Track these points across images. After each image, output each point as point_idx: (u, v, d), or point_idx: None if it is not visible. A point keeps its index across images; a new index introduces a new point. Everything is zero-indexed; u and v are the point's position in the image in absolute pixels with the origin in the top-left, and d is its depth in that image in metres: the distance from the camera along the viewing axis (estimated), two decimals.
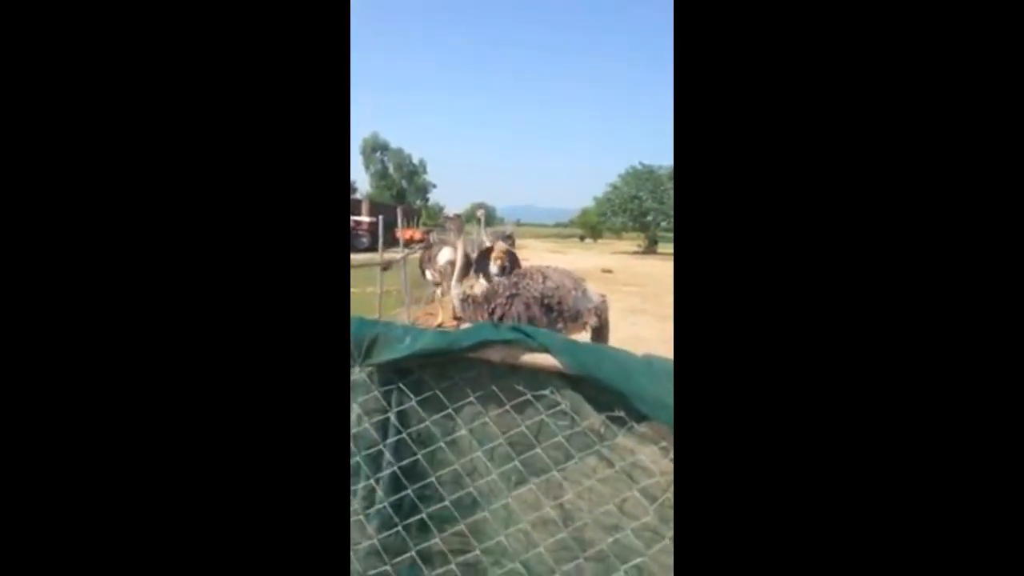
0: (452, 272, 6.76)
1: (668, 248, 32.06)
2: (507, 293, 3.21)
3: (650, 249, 30.80)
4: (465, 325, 5.22)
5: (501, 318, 3.20)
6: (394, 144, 53.86)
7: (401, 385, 1.04)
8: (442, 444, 1.02)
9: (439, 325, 7.23)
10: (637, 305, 9.48)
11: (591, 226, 41.99)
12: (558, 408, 0.99)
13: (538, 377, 1.00)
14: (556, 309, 3.19)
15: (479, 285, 3.46)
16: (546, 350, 0.96)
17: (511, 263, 6.52)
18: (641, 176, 31.08)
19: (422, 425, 1.04)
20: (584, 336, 3.40)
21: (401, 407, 1.04)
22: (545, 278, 3.24)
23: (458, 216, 3.50)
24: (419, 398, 1.04)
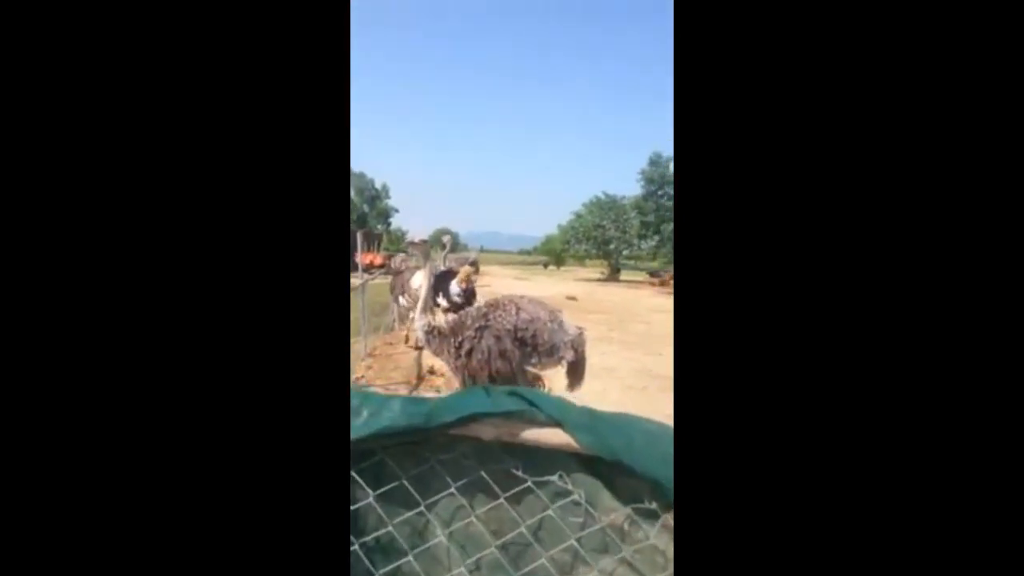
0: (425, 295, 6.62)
1: (630, 275, 32.65)
2: (476, 325, 2.94)
3: (613, 276, 31.23)
4: (426, 355, 4.91)
5: (469, 352, 2.92)
6: (356, 168, 53.27)
7: (354, 474, 0.76)
8: (411, 557, 0.74)
9: (406, 341, 6.91)
10: (604, 333, 9.35)
11: (555, 253, 42.40)
12: (569, 498, 0.74)
13: (541, 457, 0.75)
14: (530, 343, 2.94)
15: (444, 316, 3.17)
16: (556, 423, 0.71)
17: (469, 292, 6.36)
18: (604, 205, 31.74)
19: (383, 530, 0.76)
20: (559, 372, 3.16)
21: (355, 505, 0.76)
22: (519, 309, 2.99)
23: (424, 241, 3.23)
24: (379, 491, 0.76)
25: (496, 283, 22.20)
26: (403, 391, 4.97)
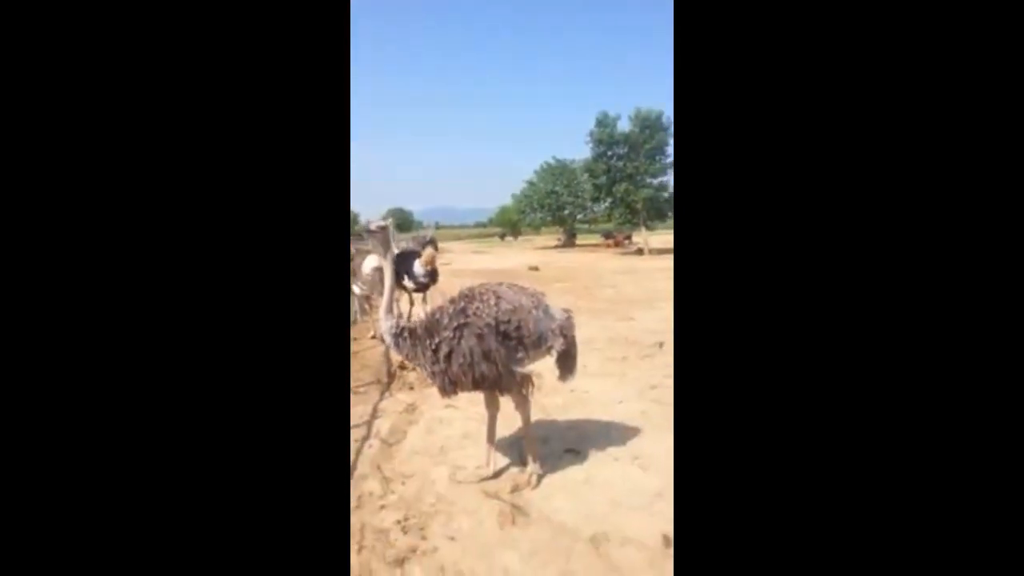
0: (380, 279, 6.17)
1: (585, 239, 32.69)
2: (454, 323, 2.52)
3: (569, 242, 31.20)
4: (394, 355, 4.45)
5: (448, 355, 2.52)
6: None
7: None
8: None
9: (372, 336, 6.44)
10: (572, 303, 9.12)
11: (511, 224, 41.95)
12: None
13: None
14: (515, 336, 2.56)
15: (416, 314, 2.71)
16: None
17: (433, 272, 6.03)
18: (555, 171, 31.38)
19: None
20: (548, 362, 2.81)
21: None
22: (498, 299, 2.59)
23: (382, 227, 2.73)
24: None
25: (456, 259, 21.64)
26: (374, 393, 4.53)
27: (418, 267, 6.09)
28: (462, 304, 2.58)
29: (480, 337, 2.49)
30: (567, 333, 2.75)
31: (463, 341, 2.48)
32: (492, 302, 2.56)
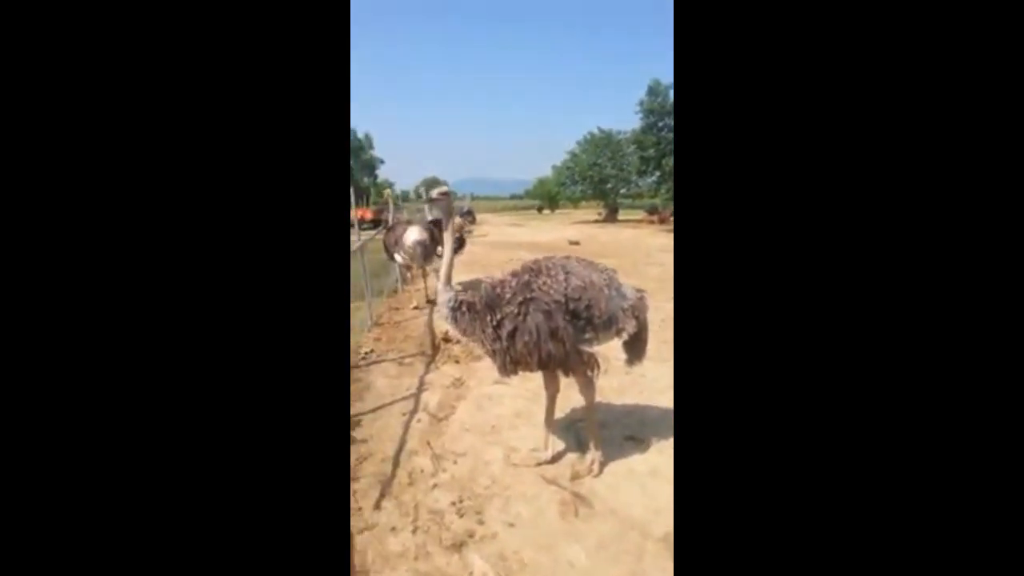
0: (422, 253, 6.09)
1: (628, 215, 31.74)
2: (519, 298, 2.32)
3: (611, 217, 30.36)
4: (438, 318, 4.37)
5: (512, 333, 2.33)
6: None
7: None
8: None
9: (415, 307, 6.41)
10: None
11: (549, 196, 41.16)
12: None
13: None
14: (584, 315, 2.34)
15: (475, 288, 2.52)
16: None
17: (460, 241, 5.95)
18: (600, 142, 30.30)
19: None
20: (616, 345, 2.59)
21: None
22: (567, 274, 2.37)
23: (444, 193, 2.53)
24: None
25: (493, 231, 21.42)
26: (419, 364, 4.45)
27: (413, 234, 6.17)
28: (527, 278, 2.37)
29: (548, 314, 2.29)
30: (640, 315, 2.52)
31: (529, 318, 2.29)
32: (561, 277, 2.35)
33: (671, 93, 23.09)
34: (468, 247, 9.34)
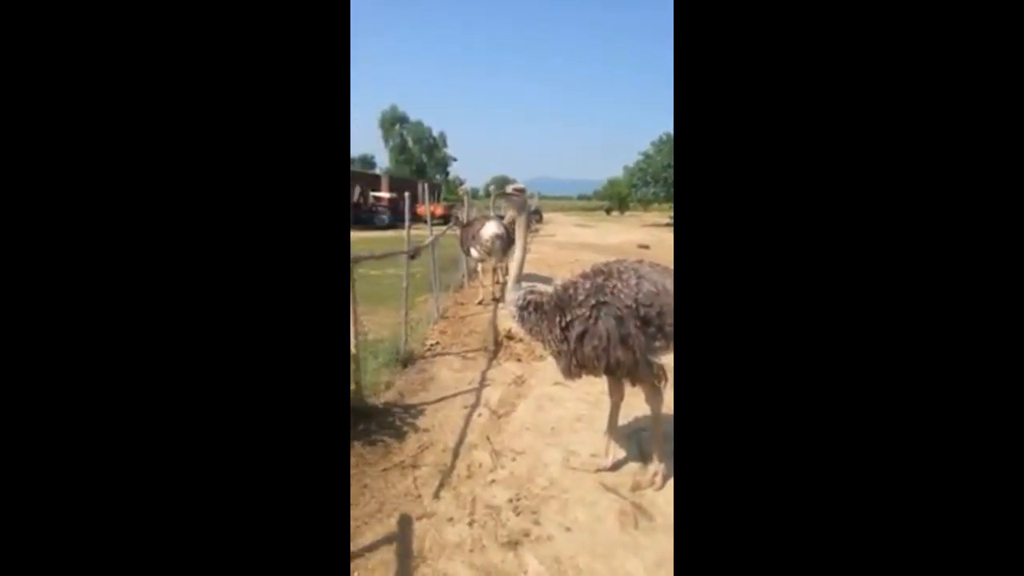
0: (499, 247, 6.18)
1: None
2: (591, 301, 2.28)
3: None
4: (503, 314, 4.38)
5: (581, 336, 2.29)
6: (413, 117, 52.40)
7: None
8: None
9: (479, 303, 6.52)
10: None
11: (619, 197, 40.31)
12: None
13: None
14: (656, 323, 2.26)
15: (544, 286, 2.50)
16: None
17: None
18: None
19: None
20: None
21: None
22: (640, 278, 2.29)
23: (520, 189, 2.53)
24: None
25: (559, 231, 21.32)
26: (481, 360, 4.51)
27: (491, 229, 6.21)
28: (599, 281, 2.32)
29: (619, 320, 2.23)
30: None
31: (600, 322, 2.24)
32: (632, 282, 2.28)
33: None
34: (534, 246, 9.35)
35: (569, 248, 14.03)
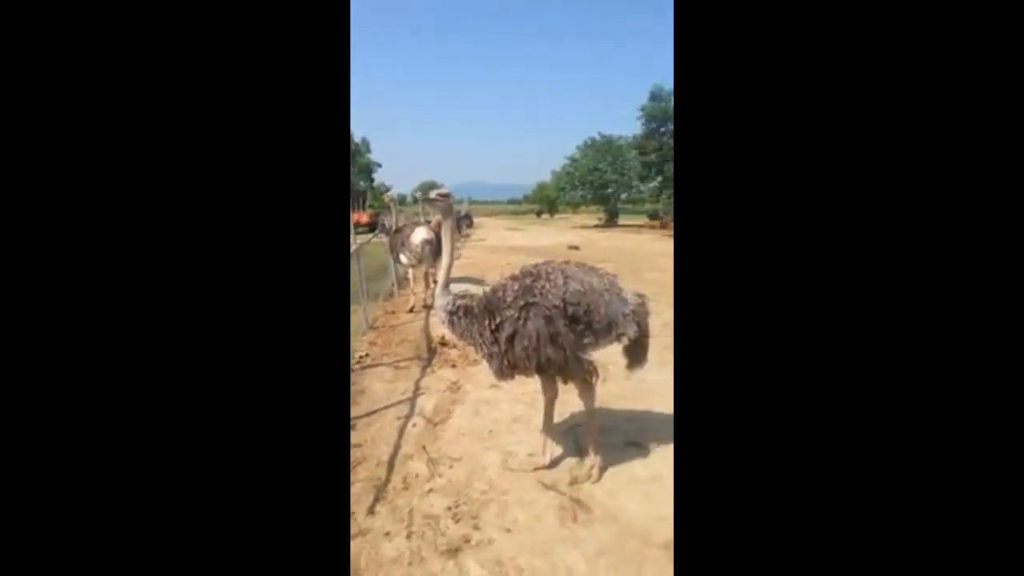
0: (429, 252, 6.07)
1: (628, 220, 31.75)
2: (520, 303, 2.29)
3: (611, 222, 30.37)
4: (435, 321, 4.32)
5: (511, 337, 2.30)
6: None
7: None
8: None
9: (410, 310, 6.37)
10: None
11: (548, 201, 41.17)
12: None
13: None
14: (584, 320, 2.32)
15: (475, 291, 2.49)
16: None
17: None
18: (600, 147, 30.35)
19: None
20: (617, 350, 2.56)
21: None
22: (567, 278, 2.34)
23: (445, 195, 2.51)
24: None
25: (491, 235, 21.41)
26: (415, 369, 4.41)
27: (421, 234, 6.12)
28: (527, 282, 2.35)
29: (548, 319, 2.26)
30: (640, 320, 2.49)
31: (529, 322, 2.26)
32: (560, 282, 2.32)
33: (673, 99, 23.18)
34: (466, 251, 9.31)
35: (501, 252, 14.12)
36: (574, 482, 2.54)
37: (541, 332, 2.25)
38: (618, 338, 2.45)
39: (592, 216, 36.97)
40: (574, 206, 36.92)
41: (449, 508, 2.38)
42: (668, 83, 23.47)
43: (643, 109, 23.63)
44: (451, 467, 2.76)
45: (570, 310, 2.29)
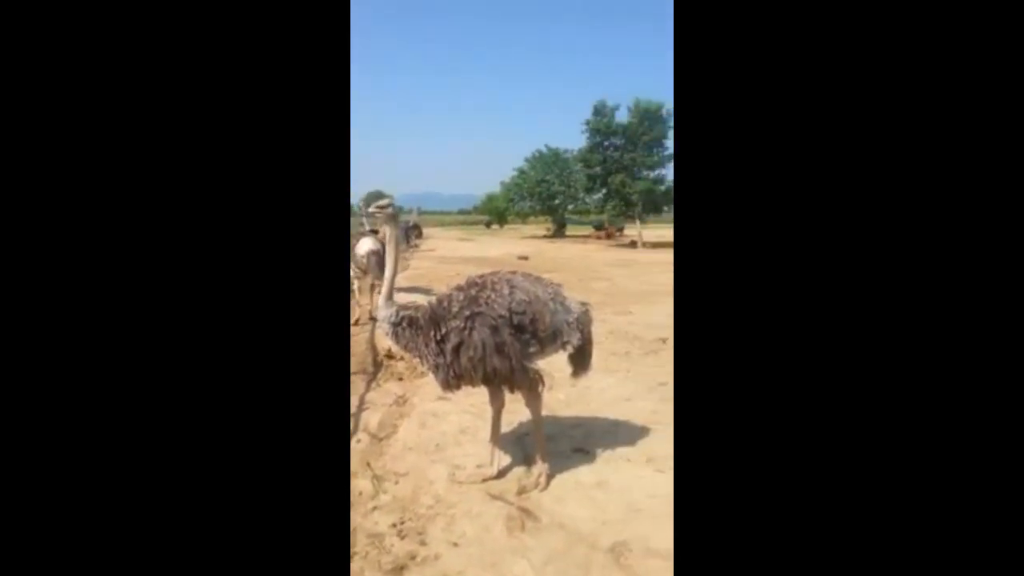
0: (375, 263, 5.91)
1: (576, 231, 32.49)
2: (465, 313, 2.29)
3: (559, 232, 30.97)
4: (380, 334, 4.21)
5: (457, 348, 2.29)
6: None
7: None
8: None
9: (355, 323, 6.18)
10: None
11: (498, 212, 41.44)
12: None
13: None
14: (529, 329, 2.34)
15: (422, 303, 2.46)
16: None
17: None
18: (548, 160, 30.99)
19: None
20: (561, 358, 2.61)
21: None
22: (512, 288, 2.36)
23: (389, 205, 2.47)
24: None
25: (441, 246, 21.25)
26: (359, 383, 4.28)
27: (366, 245, 6.06)
28: (472, 292, 2.35)
29: (494, 329, 2.26)
30: (584, 328, 2.55)
31: (475, 332, 2.26)
32: (506, 291, 2.34)
33: (616, 114, 24.07)
34: (415, 262, 9.18)
35: (450, 262, 14.04)
36: (522, 491, 2.54)
37: (487, 342, 2.25)
38: (563, 346, 2.49)
39: (541, 227, 37.56)
40: (523, 217, 37.39)
41: (394, 525, 2.32)
42: (611, 98, 24.41)
43: (587, 123, 24.36)
44: (397, 483, 2.69)
45: (516, 320, 2.30)
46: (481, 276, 2.45)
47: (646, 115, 23.33)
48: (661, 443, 3.03)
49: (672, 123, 23.29)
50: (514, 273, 2.50)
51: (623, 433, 3.18)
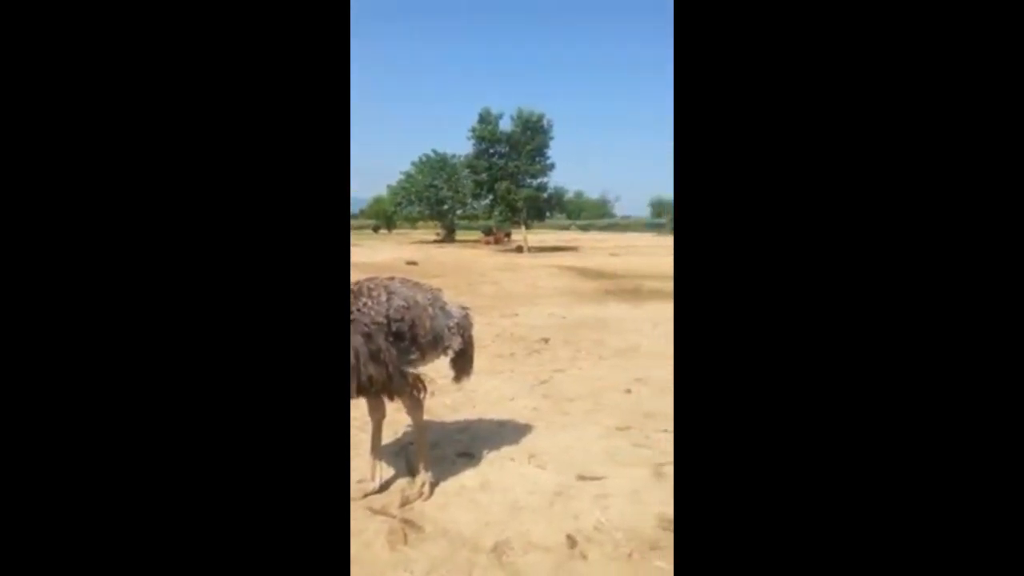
0: None
1: (465, 235, 32.66)
2: None
3: (449, 237, 30.90)
4: None
5: None
6: None
7: None
8: None
9: None
10: (454, 298, 8.93)
11: (386, 216, 40.18)
12: None
13: None
14: (408, 336, 2.31)
15: None
16: None
17: None
18: (435, 164, 30.77)
19: None
20: (443, 363, 2.61)
21: None
22: (390, 294, 2.31)
23: None
24: None
25: None
26: None
27: None
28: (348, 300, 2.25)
29: (367, 336, 2.19)
30: (465, 332, 2.58)
31: (349, 341, 2.17)
32: (383, 298, 2.28)
33: (500, 122, 24.69)
34: None
35: None
36: (405, 503, 2.49)
37: (361, 350, 2.17)
38: (444, 351, 2.50)
39: (431, 231, 37.16)
40: (412, 221, 36.72)
41: None
42: (495, 108, 25.01)
43: (473, 131, 24.69)
44: None
45: (394, 326, 2.26)
46: (357, 283, 2.36)
47: (528, 125, 24.22)
48: (542, 439, 3.18)
49: (552, 134, 24.53)
50: (392, 279, 2.45)
51: (507, 433, 3.27)
